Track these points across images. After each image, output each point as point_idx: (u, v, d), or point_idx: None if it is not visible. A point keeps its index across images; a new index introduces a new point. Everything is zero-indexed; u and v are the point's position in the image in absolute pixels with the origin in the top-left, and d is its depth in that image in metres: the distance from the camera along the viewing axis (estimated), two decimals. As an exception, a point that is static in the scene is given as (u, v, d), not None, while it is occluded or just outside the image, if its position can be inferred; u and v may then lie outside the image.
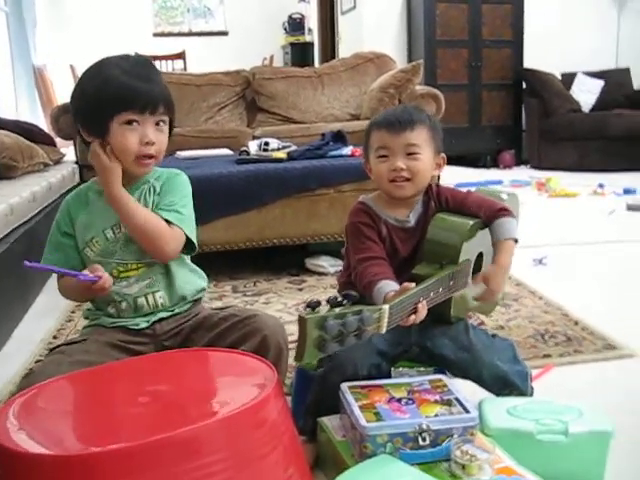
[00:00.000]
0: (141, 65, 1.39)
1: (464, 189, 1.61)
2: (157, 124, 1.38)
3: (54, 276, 3.00)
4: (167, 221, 1.39)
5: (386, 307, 1.18)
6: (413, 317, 1.28)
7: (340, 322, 1.09)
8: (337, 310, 1.10)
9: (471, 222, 1.49)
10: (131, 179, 1.43)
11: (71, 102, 1.42)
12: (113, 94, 1.35)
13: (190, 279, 1.49)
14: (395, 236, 1.51)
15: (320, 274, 2.87)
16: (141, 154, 1.37)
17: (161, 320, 1.42)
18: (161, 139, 1.39)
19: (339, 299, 1.15)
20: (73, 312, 2.48)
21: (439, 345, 1.48)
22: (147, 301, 1.42)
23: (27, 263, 1.30)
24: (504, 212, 1.50)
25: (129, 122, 1.34)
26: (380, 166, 1.49)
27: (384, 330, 1.19)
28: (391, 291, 1.33)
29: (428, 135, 1.49)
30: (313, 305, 1.09)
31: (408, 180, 1.47)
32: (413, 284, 1.30)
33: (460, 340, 1.48)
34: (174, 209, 1.42)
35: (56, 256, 1.43)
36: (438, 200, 1.55)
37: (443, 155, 1.54)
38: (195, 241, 1.45)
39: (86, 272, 1.34)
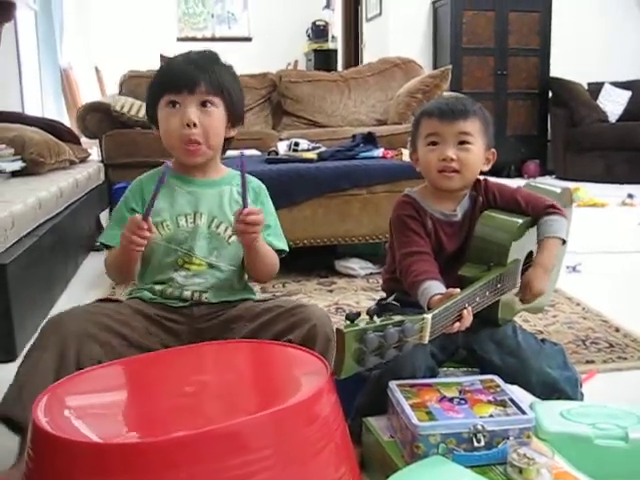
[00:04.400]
0: (202, 55, 1.39)
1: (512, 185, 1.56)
2: (203, 105, 1.34)
3: (80, 271, 3.01)
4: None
5: (429, 317, 1.14)
6: (458, 324, 1.23)
7: (380, 334, 1.05)
8: (377, 322, 1.06)
9: (520, 221, 1.43)
10: (203, 172, 1.43)
11: None
12: (158, 80, 1.39)
13: (240, 292, 1.46)
14: (441, 231, 1.46)
15: (350, 276, 2.82)
16: (184, 138, 1.34)
17: (200, 304, 1.39)
18: (207, 121, 1.34)
19: (380, 308, 1.10)
20: (100, 308, 2.44)
21: (486, 350, 1.42)
22: (192, 296, 1.39)
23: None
24: (552, 210, 1.45)
25: (171, 104, 1.34)
26: (429, 155, 1.44)
27: (427, 340, 1.15)
28: (436, 294, 1.28)
29: (481, 127, 1.44)
30: (352, 317, 1.05)
31: (457, 172, 1.42)
32: (458, 290, 1.26)
33: (508, 345, 1.42)
34: (280, 234, 1.48)
35: (118, 231, 1.38)
36: (485, 195, 1.49)
37: (493, 150, 1.49)
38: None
39: None
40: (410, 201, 1.49)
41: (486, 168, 1.50)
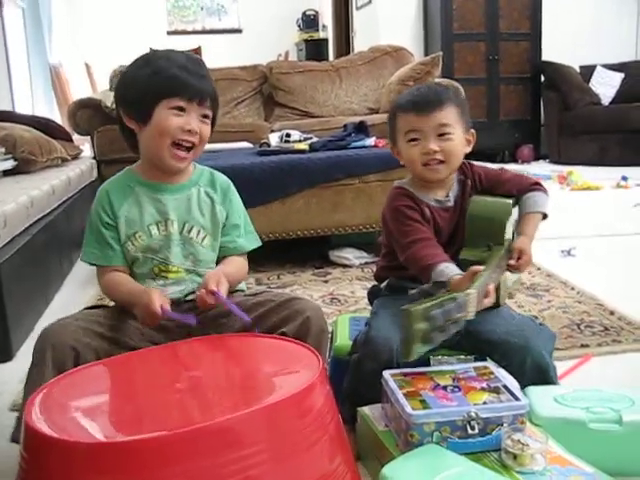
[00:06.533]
0: (192, 61, 1.39)
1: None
2: (203, 117, 1.36)
3: (74, 270, 3.00)
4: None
5: (474, 292, 1.18)
6: (487, 300, 1.27)
7: (441, 311, 1.11)
8: (436, 300, 1.12)
9: (510, 201, 1.48)
10: (171, 177, 1.41)
11: (116, 89, 1.43)
12: (165, 81, 1.35)
13: None
14: (438, 217, 1.48)
15: (344, 266, 2.82)
16: (180, 139, 1.34)
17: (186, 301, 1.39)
18: (204, 131, 1.37)
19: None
20: (95, 306, 2.43)
21: (486, 330, 1.40)
22: (174, 302, 1.37)
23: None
24: (536, 186, 1.52)
25: (176, 108, 1.33)
26: (412, 150, 1.45)
27: (472, 315, 1.19)
28: (456, 275, 1.30)
29: (457, 113, 1.46)
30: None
31: (442, 162, 1.44)
32: (482, 267, 1.28)
33: (507, 324, 1.42)
34: (250, 230, 1.48)
35: (98, 249, 1.39)
36: (472, 178, 1.53)
37: (472, 131, 1.51)
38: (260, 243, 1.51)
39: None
40: (405, 192, 1.50)
41: (468, 150, 1.51)
